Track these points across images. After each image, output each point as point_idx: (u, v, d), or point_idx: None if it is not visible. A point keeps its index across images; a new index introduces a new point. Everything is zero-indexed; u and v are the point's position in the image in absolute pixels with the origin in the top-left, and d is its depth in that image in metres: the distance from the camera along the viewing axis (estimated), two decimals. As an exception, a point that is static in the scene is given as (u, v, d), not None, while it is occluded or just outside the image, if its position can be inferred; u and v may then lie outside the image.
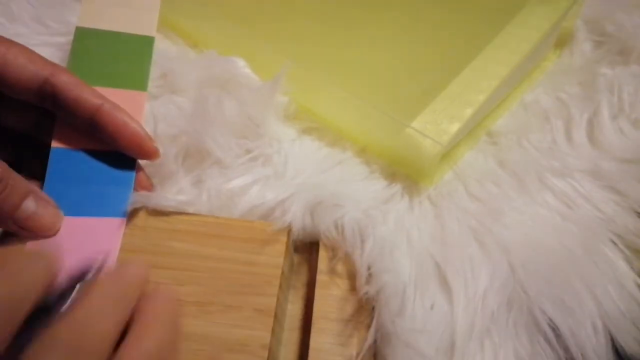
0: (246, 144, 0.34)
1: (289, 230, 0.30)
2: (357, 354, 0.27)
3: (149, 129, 0.33)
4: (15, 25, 0.42)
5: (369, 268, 0.29)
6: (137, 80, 0.33)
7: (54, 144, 0.30)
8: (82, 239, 0.29)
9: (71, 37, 0.40)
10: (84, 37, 0.34)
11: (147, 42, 0.34)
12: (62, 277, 0.22)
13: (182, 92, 0.36)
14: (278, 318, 0.28)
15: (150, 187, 0.31)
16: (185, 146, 0.33)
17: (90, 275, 0.23)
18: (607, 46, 0.41)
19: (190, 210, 0.31)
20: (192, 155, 0.33)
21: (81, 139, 0.30)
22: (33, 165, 0.31)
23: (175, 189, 0.32)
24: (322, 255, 0.30)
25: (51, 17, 0.42)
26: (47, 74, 0.28)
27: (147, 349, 0.20)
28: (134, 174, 0.31)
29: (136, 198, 0.30)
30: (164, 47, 0.40)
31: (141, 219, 0.30)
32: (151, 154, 0.30)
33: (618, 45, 0.41)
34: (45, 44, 0.40)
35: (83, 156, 0.30)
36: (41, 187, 0.29)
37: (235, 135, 0.34)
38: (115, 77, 0.33)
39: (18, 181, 0.27)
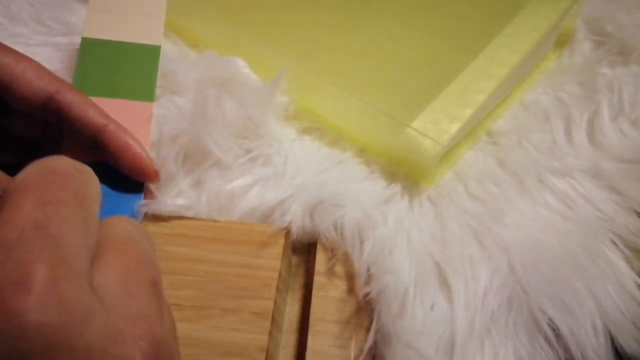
0: (246, 144, 0.34)
1: (286, 232, 0.30)
2: (356, 357, 0.27)
3: (154, 130, 0.33)
4: (15, 25, 0.42)
5: (368, 269, 0.29)
6: (144, 91, 0.33)
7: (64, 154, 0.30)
8: None
9: (71, 37, 0.40)
10: (89, 48, 0.34)
11: (153, 52, 0.34)
12: None
13: (182, 92, 0.36)
14: (276, 321, 0.28)
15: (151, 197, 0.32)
16: (185, 147, 0.33)
17: None
18: (607, 46, 0.41)
19: (189, 214, 0.31)
20: (192, 155, 0.33)
21: (90, 151, 0.30)
22: None
23: (175, 191, 0.32)
24: (320, 256, 0.30)
25: (51, 17, 0.42)
26: (53, 91, 0.28)
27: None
28: (144, 183, 0.31)
29: (136, 204, 0.30)
30: (164, 48, 0.39)
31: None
32: (152, 177, 0.30)
33: (618, 45, 0.41)
34: (45, 44, 0.40)
35: (92, 166, 0.30)
36: None
37: (235, 135, 0.34)
38: (122, 88, 0.32)
39: None
